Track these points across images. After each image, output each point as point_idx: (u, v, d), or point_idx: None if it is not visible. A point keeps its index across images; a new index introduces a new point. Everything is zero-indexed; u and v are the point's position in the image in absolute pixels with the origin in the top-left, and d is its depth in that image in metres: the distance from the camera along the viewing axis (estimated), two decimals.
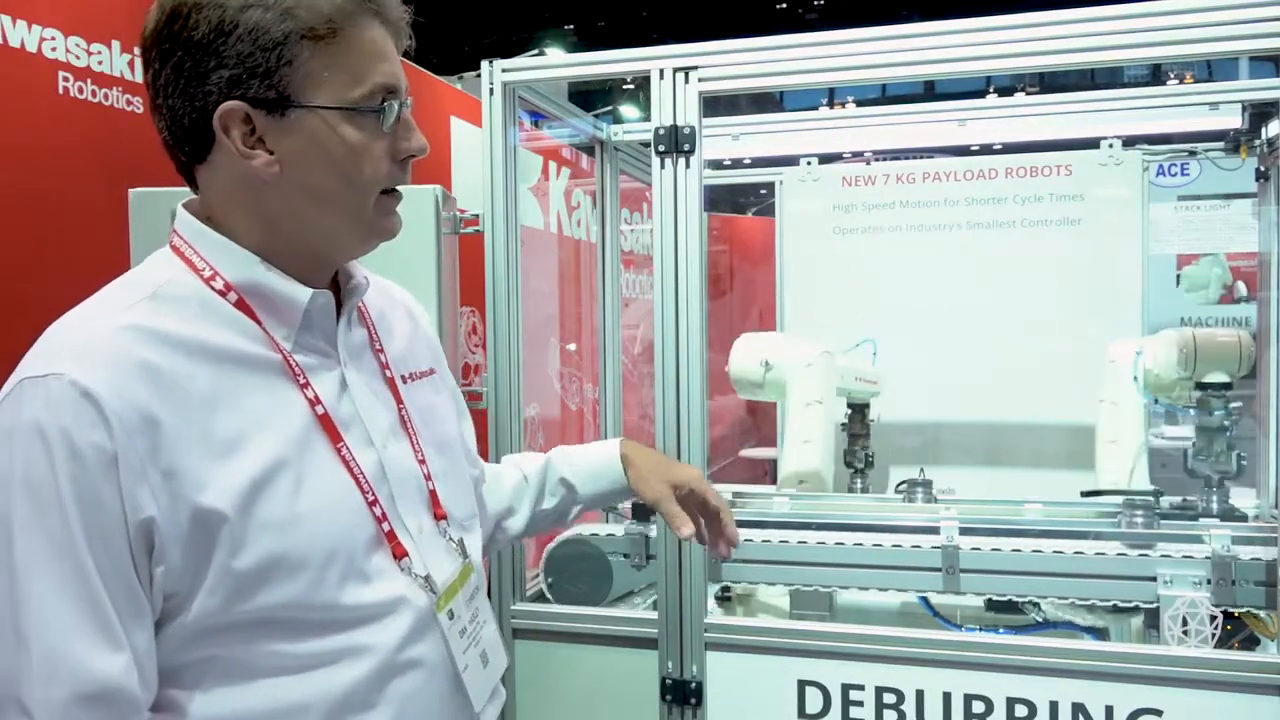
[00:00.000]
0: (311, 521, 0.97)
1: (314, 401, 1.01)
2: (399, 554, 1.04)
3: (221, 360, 0.97)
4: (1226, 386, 2.44)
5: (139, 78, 2.39)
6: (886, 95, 10.52)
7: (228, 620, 0.93)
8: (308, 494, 0.97)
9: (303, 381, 1.01)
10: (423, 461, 1.12)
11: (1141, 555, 2.06)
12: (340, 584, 0.98)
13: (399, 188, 1.07)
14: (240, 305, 1.00)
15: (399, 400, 1.12)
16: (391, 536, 1.04)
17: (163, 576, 0.91)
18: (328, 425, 1.01)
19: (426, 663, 1.05)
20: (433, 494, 1.12)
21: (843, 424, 3.05)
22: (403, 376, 1.15)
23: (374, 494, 1.03)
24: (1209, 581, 1.99)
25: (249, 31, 0.94)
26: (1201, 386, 2.44)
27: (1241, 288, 5.18)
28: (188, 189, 1.09)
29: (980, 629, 2.23)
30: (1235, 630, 2.04)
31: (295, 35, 0.95)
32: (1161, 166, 3.38)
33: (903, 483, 2.95)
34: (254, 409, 0.97)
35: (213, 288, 1.00)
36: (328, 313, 1.06)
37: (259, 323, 1.01)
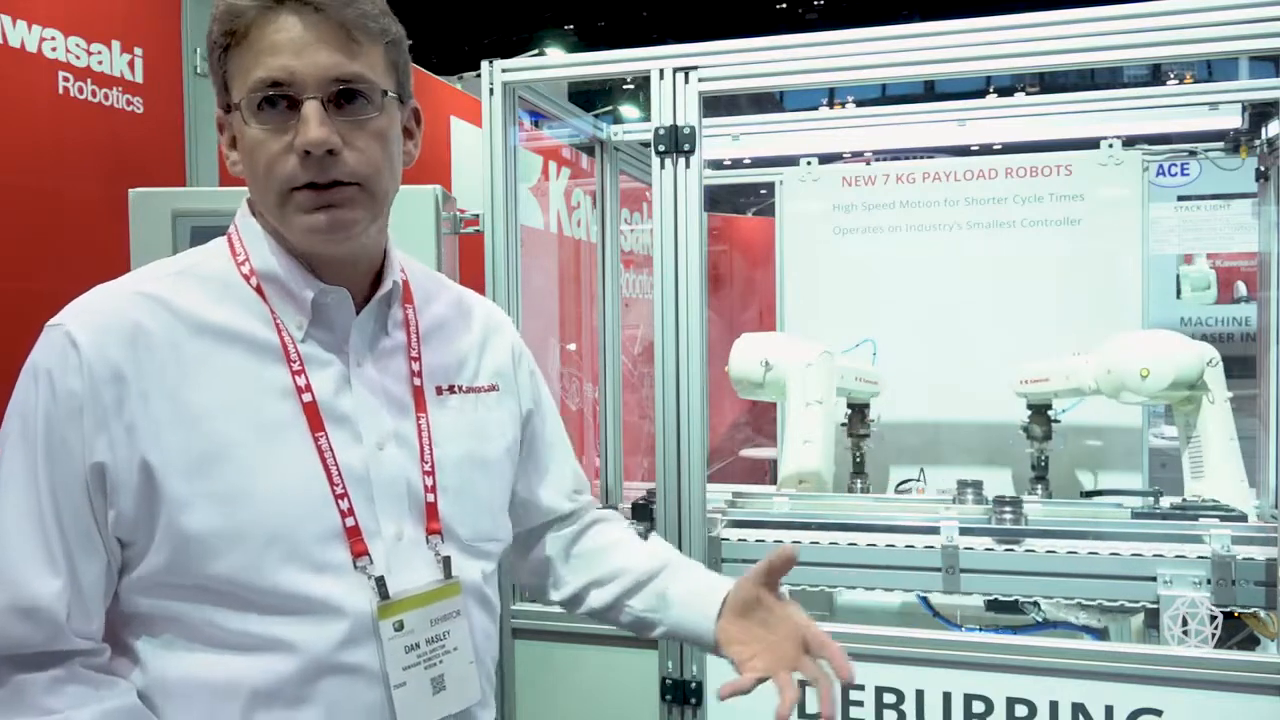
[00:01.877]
0: (259, 499, 0.99)
1: (303, 389, 1.03)
2: (357, 551, 1.02)
3: (218, 336, 1.02)
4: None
5: (139, 78, 2.41)
6: (886, 95, 10.52)
7: (174, 581, 0.99)
8: (263, 474, 1.00)
9: (297, 368, 1.04)
10: (429, 473, 1.09)
11: (1141, 555, 2.06)
12: (279, 567, 0.99)
13: (351, 186, 1.01)
14: (259, 291, 1.06)
15: (420, 408, 1.11)
16: (354, 532, 1.02)
17: (115, 521, 0.98)
18: (311, 414, 1.03)
19: (365, 670, 1.02)
20: (430, 506, 1.09)
21: (843, 424, 3.05)
22: (439, 387, 1.14)
23: (344, 488, 1.02)
24: (1209, 581, 1.99)
25: (208, 48, 1.05)
26: None
27: (1241, 287, 5.18)
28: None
29: (980, 629, 2.23)
30: (1235, 630, 2.04)
31: (219, 44, 1.03)
32: (1161, 166, 3.37)
33: (903, 481, 2.96)
34: (233, 386, 1.01)
35: (240, 272, 1.06)
36: (343, 310, 1.07)
37: (272, 309, 1.05)
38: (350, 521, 1.02)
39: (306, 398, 1.03)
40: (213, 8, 1.03)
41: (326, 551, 1.01)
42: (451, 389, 1.16)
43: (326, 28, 0.99)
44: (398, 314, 1.13)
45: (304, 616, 1.00)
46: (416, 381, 1.12)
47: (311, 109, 0.98)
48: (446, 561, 1.09)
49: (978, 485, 2.61)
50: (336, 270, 1.07)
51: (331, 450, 1.03)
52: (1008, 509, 2.28)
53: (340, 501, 1.02)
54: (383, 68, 1.04)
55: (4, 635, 0.96)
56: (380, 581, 1.03)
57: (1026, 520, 2.27)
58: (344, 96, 1.00)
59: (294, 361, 1.04)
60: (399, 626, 1.04)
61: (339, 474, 1.02)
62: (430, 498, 1.09)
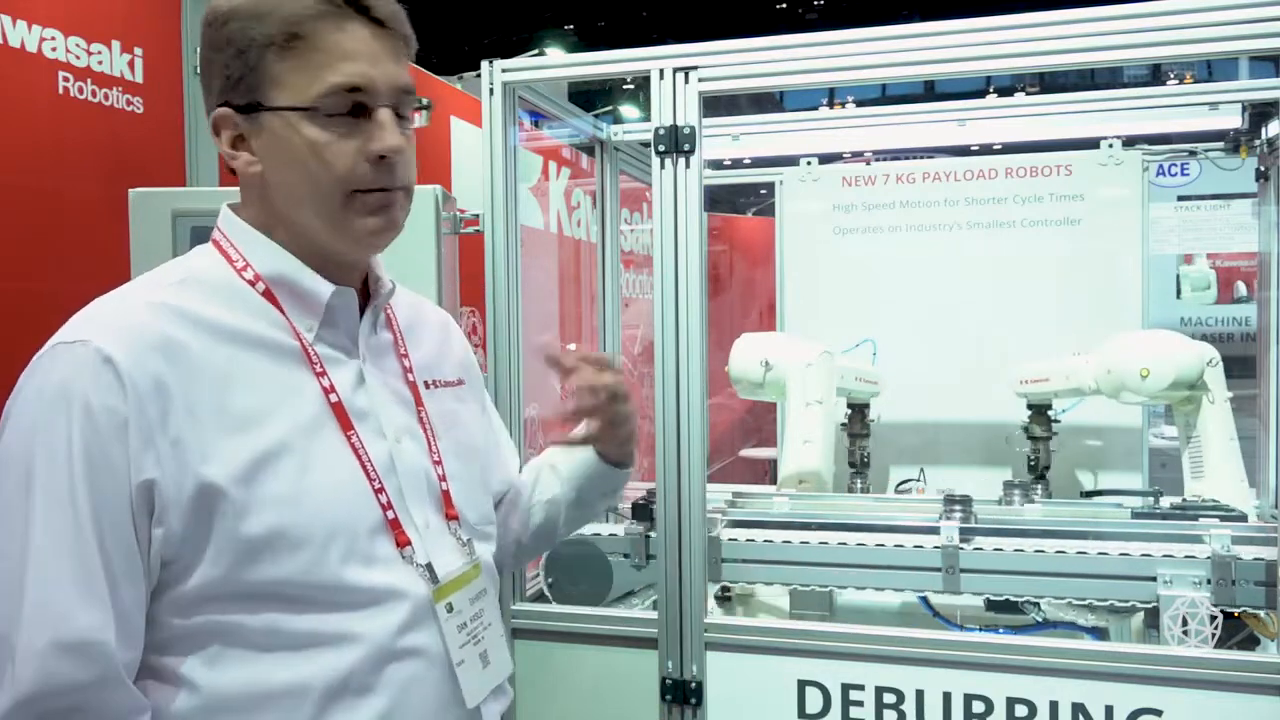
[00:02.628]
0: (314, 498, 1.00)
1: (329, 390, 1.05)
2: (402, 542, 1.06)
3: (241, 342, 1.02)
4: None
5: (139, 78, 2.40)
6: (886, 95, 10.52)
7: (231, 591, 0.97)
8: (313, 473, 1.01)
9: (319, 370, 1.06)
10: (438, 463, 1.14)
11: (1141, 555, 2.06)
12: (342, 563, 1.01)
13: (400, 190, 1.07)
14: (267, 295, 1.06)
15: (419, 402, 1.15)
16: (395, 524, 1.06)
17: (161, 540, 0.96)
18: (340, 413, 1.05)
19: (426, 652, 1.06)
20: (445, 494, 1.14)
21: (842, 424, 3.05)
22: (425, 382, 1.19)
23: (381, 482, 1.06)
24: (1209, 581, 1.99)
25: (229, 42, 1.03)
26: None
27: (1241, 287, 5.18)
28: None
29: (980, 629, 2.23)
30: (1235, 630, 2.04)
31: (262, 41, 1.01)
32: (1161, 166, 3.37)
33: (903, 481, 2.95)
34: (267, 390, 1.02)
35: (243, 278, 1.06)
36: (350, 310, 1.10)
37: (283, 312, 1.06)
38: (391, 514, 1.06)
39: (333, 398, 1.05)
40: (243, 5, 1.02)
41: (376, 544, 1.05)
42: (435, 383, 1.21)
43: (390, 41, 1.05)
44: (382, 315, 1.17)
45: (366, 609, 1.02)
46: (411, 377, 1.16)
47: (388, 116, 1.03)
48: (469, 544, 1.15)
49: (1026, 487, 2.58)
50: (341, 273, 1.10)
51: (363, 446, 1.06)
52: (957, 508, 2.30)
53: (379, 495, 1.06)
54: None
55: (49, 677, 0.91)
56: (429, 568, 1.08)
57: (976, 519, 2.29)
58: (403, 107, 1.06)
59: (315, 363, 1.06)
60: (450, 608, 1.09)
61: (373, 469, 1.06)
62: (444, 486, 1.14)
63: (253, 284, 1.06)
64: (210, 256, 1.09)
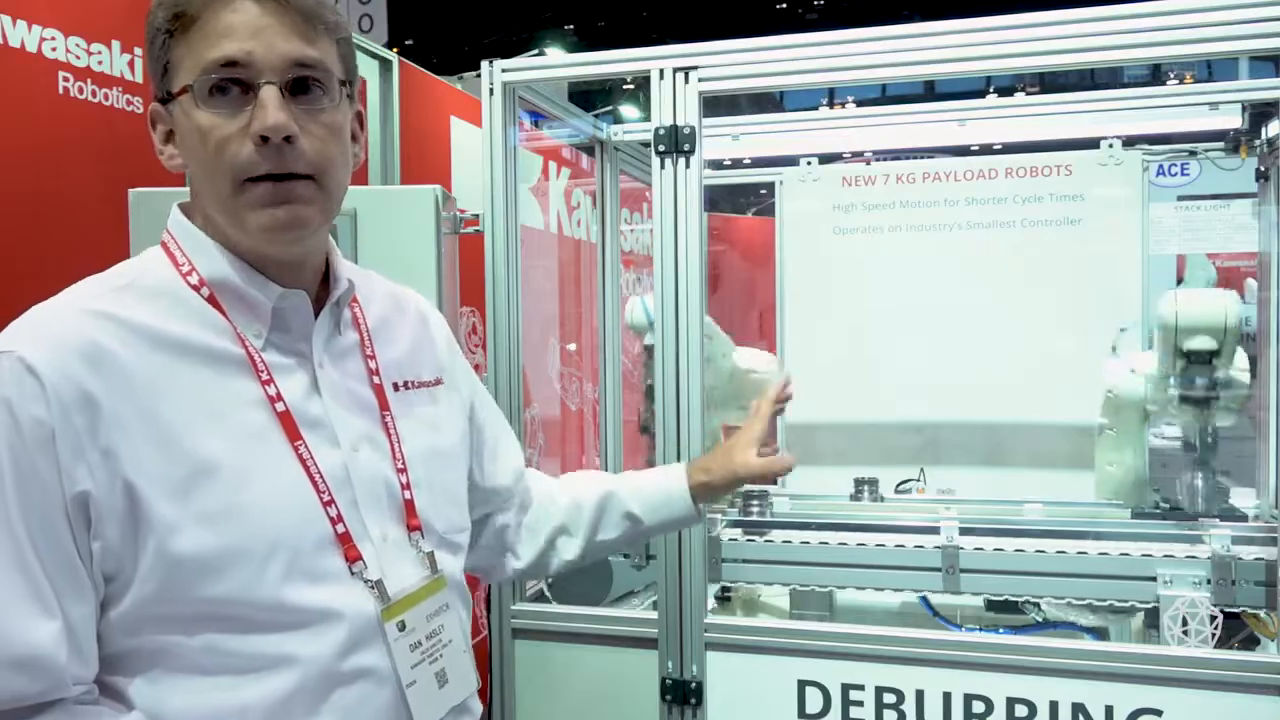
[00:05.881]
0: (252, 514, 0.96)
1: (275, 398, 1.00)
2: (351, 557, 1.01)
3: (179, 350, 0.97)
4: (1214, 355, 2.29)
5: (139, 78, 2.40)
6: (886, 95, 10.52)
7: (167, 611, 0.94)
8: (253, 487, 0.96)
9: (265, 378, 1.00)
10: (402, 470, 1.08)
11: (1142, 555, 2.06)
12: (283, 581, 0.96)
13: (303, 178, 0.98)
14: (211, 301, 1.01)
15: (384, 406, 1.10)
16: (346, 539, 1.01)
17: (101, 553, 0.92)
18: (287, 423, 1.00)
19: (375, 673, 1.01)
20: (408, 503, 1.08)
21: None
22: (395, 384, 1.13)
23: (331, 495, 1.01)
24: (1209, 581, 1.99)
25: (146, 35, 1.01)
26: (1185, 356, 2.27)
27: (1252, 285, 5.16)
28: (186, 189, 1.09)
29: (980, 629, 2.23)
30: (1235, 630, 2.04)
31: (161, 31, 0.98)
32: (1161, 166, 3.36)
33: (903, 481, 2.95)
34: (206, 400, 0.97)
35: (188, 283, 1.02)
36: (302, 313, 1.05)
37: (228, 318, 1.01)
38: (340, 528, 1.01)
39: (280, 406, 1.00)
40: None
41: (323, 560, 0.99)
42: (407, 384, 1.15)
43: (284, 14, 0.97)
44: (347, 314, 1.11)
45: (309, 628, 0.98)
46: (376, 380, 1.11)
47: (270, 94, 0.95)
48: (430, 557, 1.10)
49: (1225, 493, 2.40)
50: (287, 273, 1.04)
51: (312, 457, 1.00)
52: (755, 502, 2.40)
53: (328, 508, 1.00)
54: (337, 61, 1.02)
55: None
56: (379, 585, 1.02)
57: (773, 512, 2.38)
58: (300, 85, 0.98)
59: (261, 371, 1.00)
60: (402, 627, 1.04)
61: (323, 480, 1.00)
62: (407, 495, 1.09)
63: (197, 289, 1.01)
64: (157, 260, 1.04)
